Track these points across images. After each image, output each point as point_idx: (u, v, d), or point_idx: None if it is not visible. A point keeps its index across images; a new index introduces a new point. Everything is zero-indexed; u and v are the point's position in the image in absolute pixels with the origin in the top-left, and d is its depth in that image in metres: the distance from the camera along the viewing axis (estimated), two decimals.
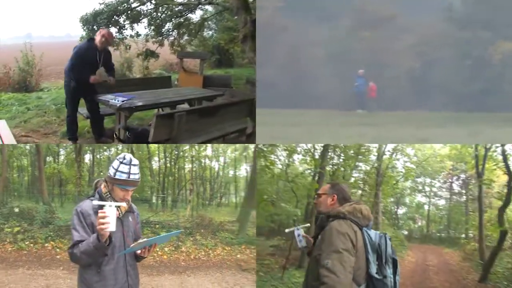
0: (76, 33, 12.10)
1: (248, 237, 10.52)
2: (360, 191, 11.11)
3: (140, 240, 2.78)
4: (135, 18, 12.60)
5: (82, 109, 6.89)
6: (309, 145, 8.84)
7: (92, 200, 2.79)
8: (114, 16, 12.13)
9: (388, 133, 8.25)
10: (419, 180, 13.93)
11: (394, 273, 2.51)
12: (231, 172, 18.18)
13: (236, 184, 16.31)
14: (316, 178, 9.36)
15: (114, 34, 12.28)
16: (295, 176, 8.87)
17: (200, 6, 13.26)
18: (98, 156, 14.59)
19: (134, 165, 2.74)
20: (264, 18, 12.06)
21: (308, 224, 2.88)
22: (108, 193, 2.79)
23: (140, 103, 6.15)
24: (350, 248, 2.33)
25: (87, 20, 11.67)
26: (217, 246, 9.50)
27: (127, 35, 12.66)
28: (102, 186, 2.82)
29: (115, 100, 5.97)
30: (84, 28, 11.72)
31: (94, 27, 11.66)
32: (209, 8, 14.16)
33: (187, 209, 12.36)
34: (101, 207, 2.59)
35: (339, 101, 12.15)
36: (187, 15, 13.50)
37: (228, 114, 6.85)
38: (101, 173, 13.47)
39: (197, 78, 10.75)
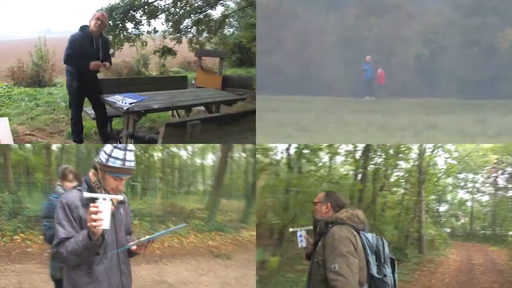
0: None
1: (218, 224, 10.93)
2: (402, 190, 11.08)
3: (142, 238, 2.51)
4: (152, 13, 12.20)
5: (89, 109, 6.42)
6: (350, 146, 8.74)
7: (80, 190, 2.45)
8: (130, 11, 11.76)
9: (397, 120, 8.19)
10: (461, 176, 13.64)
11: (393, 271, 2.66)
12: (198, 161, 18.46)
13: (204, 173, 16.26)
14: (359, 178, 9.40)
15: (130, 30, 12.18)
16: (340, 178, 8.81)
17: (221, 1, 12.79)
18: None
19: (130, 150, 2.43)
20: (272, 4, 12.38)
21: (311, 227, 2.94)
22: (98, 182, 2.46)
23: (150, 107, 5.57)
24: (352, 251, 2.45)
25: None
26: (189, 234, 9.62)
27: (144, 31, 12.31)
28: (91, 174, 2.49)
29: (122, 102, 5.47)
30: None
31: (110, 22, 11.24)
32: (231, 3, 13.68)
33: (158, 197, 12.48)
34: (93, 200, 2.26)
35: (347, 88, 12.18)
36: (207, 11, 13.02)
37: (248, 124, 5.81)
38: (71, 160, 13.35)
39: (215, 78, 10.28)
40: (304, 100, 10.96)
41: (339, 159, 9.44)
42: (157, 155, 15.88)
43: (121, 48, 12.14)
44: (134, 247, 2.55)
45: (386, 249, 2.66)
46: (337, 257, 2.42)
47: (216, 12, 13.31)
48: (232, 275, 7.22)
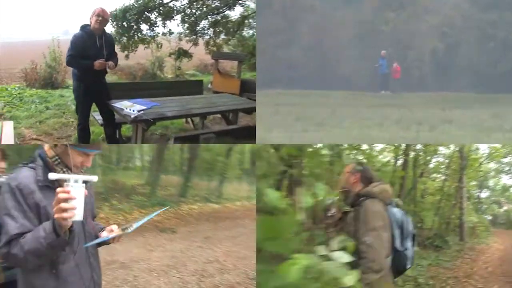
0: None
1: (159, 199, 11.05)
2: (443, 176, 11.01)
3: (123, 227, 2.06)
4: (167, 14, 11.88)
5: (97, 114, 5.97)
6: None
7: (32, 168, 1.94)
8: (145, 12, 11.48)
9: (413, 114, 8.21)
10: (505, 160, 13.21)
11: (412, 246, 2.80)
12: None
13: (141, 149, 16.19)
14: (398, 165, 9.56)
15: (145, 31, 11.85)
16: (382, 165, 8.85)
17: (240, 2, 12.19)
18: None
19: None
20: None
21: (338, 197, 2.97)
22: (57, 158, 1.95)
23: (161, 115, 5.16)
24: (384, 225, 2.58)
25: (116, 16, 11.11)
26: (133, 210, 9.57)
27: (159, 33, 12.01)
28: (46, 148, 1.99)
29: (130, 109, 5.07)
30: (114, 25, 11.16)
31: (124, 23, 11.16)
32: (251, 4, 12.77)
33: (99, 174, 12.45)
34: (55, 182, 1.85)
35: (363, 82, 12.19)
36: (225, 12, 12.54)
37: None
38: None
39: (233, 82, 9.78)
40: (320, 94, 10.96)
41: (378, 146, 9.40)
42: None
43: (136, 50, 11.94)
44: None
45: (410, 225, 2.77)
46: (369, 230, 2.51)
47: (235, 13, 12.83)
48: (178, 248, 7.33)
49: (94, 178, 1.90)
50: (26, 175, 1.89)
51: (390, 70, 11.97)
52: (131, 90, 6.65)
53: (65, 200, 1.68)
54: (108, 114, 5.66)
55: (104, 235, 2.09)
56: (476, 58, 12.09)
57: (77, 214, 1.73)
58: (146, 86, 8.02)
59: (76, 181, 1.75)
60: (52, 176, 1.78)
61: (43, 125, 7.54)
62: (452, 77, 12.25)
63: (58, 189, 1.70)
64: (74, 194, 1.70)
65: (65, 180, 1.75)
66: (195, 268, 6.25)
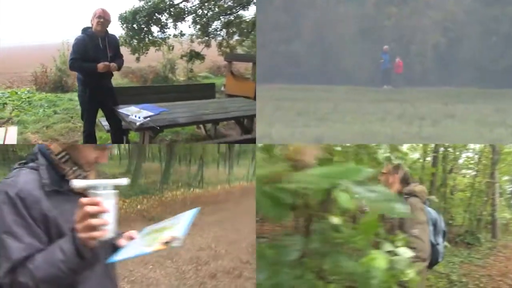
0: (115, 33, 10.62)
1: (142, 187, 11.20)
2: (474, 172, 10.81)
3: (168, 239, 1.42)
4: (178, 15, 11.53)
5: (104, 120, 5.73)
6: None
7: (35, 169, 1.53)
8: (155, 14, 11.18)
9: (415, 109, 8.26)
10: None
11: (443, 242, 3.16)
12: None
13: None
14: (427, 161, 9.59)
15: (156, 33, 11.54)
16: (412, 163, 8.74)
17: (254, 1, 11.63)
18: None
19: None
20: None
21: None
22: (64, 154, 1.56)
23: (169, 122, 4.85)
24: (427, 220, 2.89)
25: (125, 18, 10.85)
26: (118, 199, 9.52)
27: (170, 35, 11.74)
28: (53, 145, 1.59)
29: (136, 115, 4.79)
30: (123, 27, 10.93)
31: (134, 25, 10.95)
32: None
33: None
34: (69, 187, 1.44)
35: (366, 77, 12.21)
36: (238, 12, 12.04)
37: None
38: None
39: (248, 84, 9.27)
40: (323, 89, 10.95)
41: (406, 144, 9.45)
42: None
43: (147, 53, 11.73)
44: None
45: (442, 223, 3.15)
46: (417, 224, 2.78)
47: (249, 13, 12.16)
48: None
49: (125, 181, 1.49)
50: (27, 179, 1.48)
51: (392, 65, 11.96)
52: (140, 95, 6.46)
53: (95, 214, 1.29)
54: (115, 120, 5.41)
55: (124, 243, 1.63)
56: (479, 53, 12.11)
57: (109, 230, 1.33)
58: (155, 90, 7.67)
59: (105, 188, 1.36)
60: (77, 184, 1.36)
61: (50, 130, 7.43)
62: (454, 72, 12.27)
63: (84, 200, 1.30)
64: (106, 205, 1.32)
65: (95, 187, 1.35)
66: (190, 256, 6.28)
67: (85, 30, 5.02)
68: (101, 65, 4.89)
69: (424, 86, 11.52)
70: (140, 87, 9.56)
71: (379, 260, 1.48)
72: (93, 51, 4.96)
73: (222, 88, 10.01)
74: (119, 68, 5.26)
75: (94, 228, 1.30)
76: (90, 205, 1.30)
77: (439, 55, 12.52)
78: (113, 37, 5.26)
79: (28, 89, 10.34)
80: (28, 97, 9.54)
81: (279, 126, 6.75)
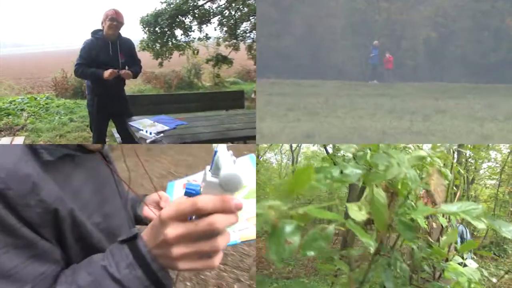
0: (137, 37, 9.93)
1: None
2: (495, 182, 10.42)
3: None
4: (203, 18, 10.97)
5: (116, 131, 5.28)
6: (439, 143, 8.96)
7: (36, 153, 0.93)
8: (178, 16, 10.66)
9: (406, 104, 8.22)
10: None
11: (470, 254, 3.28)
12: None
13: None
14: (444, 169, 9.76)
15: (179, 37, 10.96)
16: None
17: None
18: None
19: None
20: None
21: None
22: None
23: (185, 139, 4.12)
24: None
25: (147, 21, 10.45)
26: None
27: (195, 38, 11.19)
28: None
29: (147, 130, 4.18)
30: (145, 31, 10.55)
31: (156, 29, 10.55)
32: None
33: None
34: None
35: (357, 72, 12.15)
36: None
37: None
38: None
39: None
40: (313, 84, 10.76)
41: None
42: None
43: (170, 57, 11.27)
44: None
45: (468, 234, 3.48)
46: None
47: None
48: None
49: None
50: (9, 154, 0.90)
51: (382, 60, 11.84)
52: (158, 104, 6.02)
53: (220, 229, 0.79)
54: (127, 132, 4.76)
55: (150, 213, 1.32)
56: (470, 48, 12.08)
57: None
58: (176, 98, 6.85)
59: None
60: (210, 177, 0.81)
61: (63, 139, 6.98)
62: (445, 67, 12.26)
63: (227, 198, 0.77)
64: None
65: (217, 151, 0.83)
66: None
67: (94, 33, 4.58)
68: (107, 73, 4.41)
69: (415, 81, 11.52)
70: (158, 96, 8.78)
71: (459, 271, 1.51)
72: (103, 56, 4.54)
73: (253, 95, 9.21)
74: (135, 76, 4.80)
75: (206, 253, 0.82)
76: (233, 209, 0.78)
77: (430, 50, 12.50)
78: (126, 40, 4.78)
79: (47, 95, 10.06)
80: (46, 103, 9.30)
81: (270, 121, 6.64)
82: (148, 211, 1.31)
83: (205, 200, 0.76)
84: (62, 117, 8.38)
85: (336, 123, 6.70)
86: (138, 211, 1.34)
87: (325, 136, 5.97)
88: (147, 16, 10.51)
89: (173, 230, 0.78)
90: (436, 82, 11.59)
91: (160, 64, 11.37)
